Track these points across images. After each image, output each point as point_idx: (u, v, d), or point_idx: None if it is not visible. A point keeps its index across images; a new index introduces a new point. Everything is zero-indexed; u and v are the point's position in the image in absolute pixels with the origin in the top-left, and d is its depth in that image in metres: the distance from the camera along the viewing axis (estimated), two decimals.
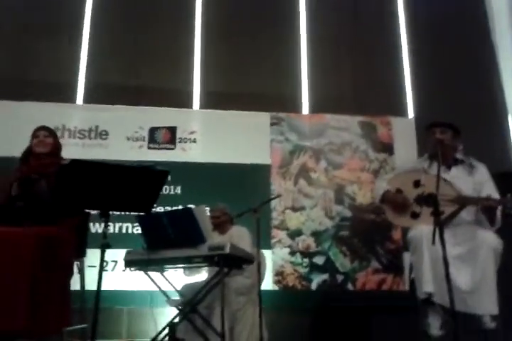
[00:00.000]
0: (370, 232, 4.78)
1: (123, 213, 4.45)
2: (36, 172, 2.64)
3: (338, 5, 5.61)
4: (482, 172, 2.91)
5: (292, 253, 4.69)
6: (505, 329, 2.52)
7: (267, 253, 4.21)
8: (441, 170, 2.57)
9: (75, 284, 2.71)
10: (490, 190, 2.82)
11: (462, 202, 2.69)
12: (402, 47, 5.63)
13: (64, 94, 5.01)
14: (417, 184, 2.84)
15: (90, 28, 5.28)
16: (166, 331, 3.27)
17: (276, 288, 4.55)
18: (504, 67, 5.51)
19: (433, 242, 2.26)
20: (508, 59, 5.46)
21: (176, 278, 3.62)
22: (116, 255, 3.86)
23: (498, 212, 2.73)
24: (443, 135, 2.90)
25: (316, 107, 5.30)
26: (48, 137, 2.77)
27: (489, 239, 2.62)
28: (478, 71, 5.55)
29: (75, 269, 2.72)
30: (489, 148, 5.17)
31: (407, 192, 2.89)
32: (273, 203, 4.74)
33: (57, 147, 2.82)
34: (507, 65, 5.48)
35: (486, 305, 2.50)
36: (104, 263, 4.21)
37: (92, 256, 2.34)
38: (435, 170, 2.76)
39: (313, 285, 4.62)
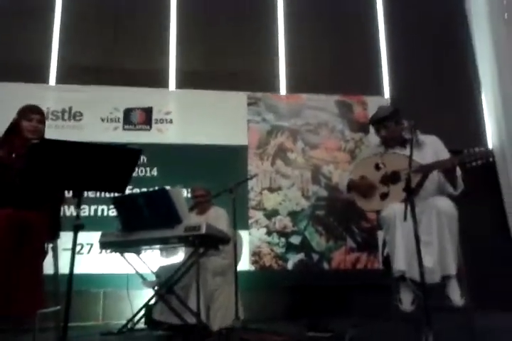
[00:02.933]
0: (345, 211, 4.82)
1: (98, 195, 4.49)
2: (18, 154, 2.56)
3: None
4: (432, 145, 2.98)
5: (269, 233, 4.73)
6: (473, 302, 2.60)
7: (244, 234, 4.23)
8: (397, 149, 2.66)
9: (49, 267, 2.69)
10: (445, 157, 2.88)
11: (423, 170, 2.74)
12: (379, 27, 5.61)
13: (37, 74, 4.89)
14: (378, 166, 2.90)
15: (63, 8, 5.14)
16: (142, 312, 3.31)
17: (253, 268, 4.58)
18: (479, 46, 5.54)
19: (405, 218, 2.30)
20: (483, 38, 5.49)
21: (153, 260, 3.64)
22: (92, 238, 3.84)
23: (458, 174, 2.80)
24: (387, 130, 2.99)
25: (294, 87, 5.27)
26: (41, 123, 2.70)
27: (440, 205, 2.67)
28: (453, 50, 5.58)
29: (50, 252, 2.69)
30: (464, 127, 5.26)
31: (371, 177, 2.95)
32: (250, 184, 4.76)
33: (44, 134, 2.74)
34: (482, 44, 5.51)
35: (445, 269, 2.57)
36: (80, 246, 4.27)
37: (67, 239, 2.31)
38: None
39: (290, 265, 4.66)
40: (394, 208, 2.67)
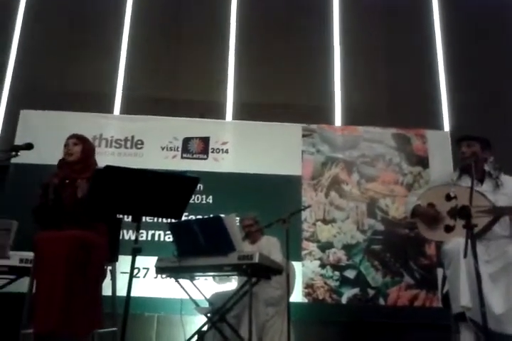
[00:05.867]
0: (402, 247, 4.70)
1: (155, 221, 4.59)
2: (69, 178, 2.72)
3: (373, 17, 5.61)
4: (511, 186, 2.83)
5: (323, 265, 4.64)
6: None
7: (297, 265, 4.18)
8: (474, 183, 2.53)
9: (107, 290, 2.76)
10: None
11: (496, 212, 2.62)
12: (439, 59, 5.56)
13: (102, 104, 5.19)
14: (449, 197, 2.80)
15: (128, 41, 5.47)
16: (195, 339, 3.30)
17: (305, 300, 4.50)
18: None
19: (465, 255, 2.21)
20: None
21: (206, 287, 3.65)
22: (148, 262, 3.92)
23: None
24: (469, 148, 2.86)
25: (349, 119, 5.29)
26: (76, 145, 2.85)
27: None
28: None
29: (108, 275, 2.77)
30: None
31: (440, 206, 2.84)
32: (304, 215, 4.73)
33: (85, 152, 2.87)
34: None
35: None
36: (136, 270, 4.36)
37: (125, 262, 2.38)
38: (465, 183, 2.73)
39: (344, 299, 4.55)
40: (459, 242, 2.54)
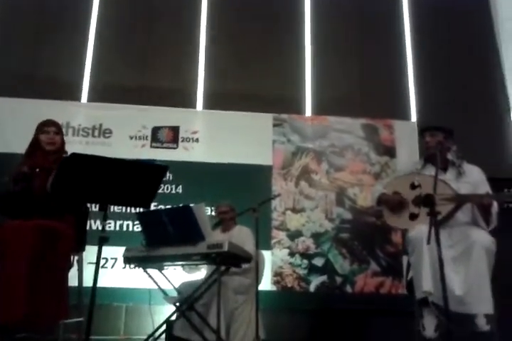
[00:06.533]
0: (370, 235, 4.79)
1: (124, 211, 4.55)
2: (40, 167, 2.66)
3: (344, 8, 5.64)
4: (473, 174, 2.93)
5: (291, 254, 4.70)
6: (500, 331, 2.52)
7: (266, 254, 4.22)
8: (438, 172, 2.59)
9: (74, 280, 2.73)
10: (484, 190, 2.83)
11: (459, 200, 2.70)
12: (407, 51, 5.64)
13: (69, 92, 5.06)
14: (413, 186, 2.87)
15: (96, 28, 5.33)
16: (163, 328, 3.30)
17: (274, 288, 4.55)
18: (508, 67, 5.50)
19: (428, 242, 2.28)
20: None
21: (175, 276, 3.64)
22: (117, 252, 3.89)
23: (494, 211, 2.74)
24: (432, 138, 2.94)
25: (319, 109, 5.32)
26: (56, 134, 2.81)
27: (481, 239, 2.62)
28: (482, 73, 5.55)
29: (75, 265, 2.73)
30: (494, 153, 5.18)
31: (405, 195, 2.92)
32: (274, 204, 4.76)
33: (63, 144, 2.86)
34: (511, 65, 5.47)
35: (481, 305, 2.51)
36: (104, 261, 4.32)
37: (93, 253, 2.35)
38: (429, 172, 2.81)
39: (312, 287, 4.61)
40: (422, 230, 2.62)
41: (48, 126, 2.82)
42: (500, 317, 2.56)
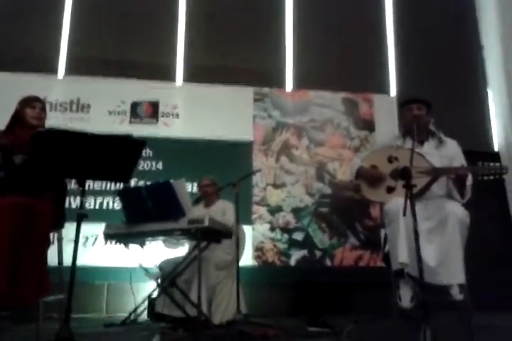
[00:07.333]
0: (349, 209, 4.85)
1: (103, 188, 4.52)
2: (19, 143, 2.61)
3: None
4: (451, 147, 2.98)
5: (272, 229, 4.75)
6: (472, 301, 2.60)
7: (247, 229, 4.25)
8: (414, 145, 2.61)
9: (54, 258, 2.71)
10: (460, 163, 2.87)
11: (435, 173, 2.74)
12: (387, 25, 5.62)
13: (46, 66, 4.92)
14: (391, 159, 2.90)
15: (74, 0, 5.16)
16: (145, 305, 3.33)
17: (255, 263, 4.61)
18: (488, 46, 5.53)
19: (404, 214, 2.31)
20: (491, 35, 5.48)
21: (156, 253, 3.66)
22: (97, 230, 3.89)
23: (468, 184, 2.80)
24: (419, 111, 2.95)
25: (300, 83, 5.29)
26: (42, 111, 2.76)
27: (456, 211, 2.67)
28: (461, 50, 5.58)
29: (55, 243, 2.72)
30: (470, 128, 5.25)
31: (382, 168, 2.94)
32: (254, 179, 4.78)
33: (45, 119, 2.80)
34: (490, 44, 5.50)
35: (453, 275, 2.58)
36: (85, 239, 4.31)
37: (73, 230, 2.34)
38: (407, 145, 2.83)
39: (292, 261, 4.69)
40: (398, 202, 2.65)
41: (36, 101, 2.76)
42: (472, 287, 2.64)
